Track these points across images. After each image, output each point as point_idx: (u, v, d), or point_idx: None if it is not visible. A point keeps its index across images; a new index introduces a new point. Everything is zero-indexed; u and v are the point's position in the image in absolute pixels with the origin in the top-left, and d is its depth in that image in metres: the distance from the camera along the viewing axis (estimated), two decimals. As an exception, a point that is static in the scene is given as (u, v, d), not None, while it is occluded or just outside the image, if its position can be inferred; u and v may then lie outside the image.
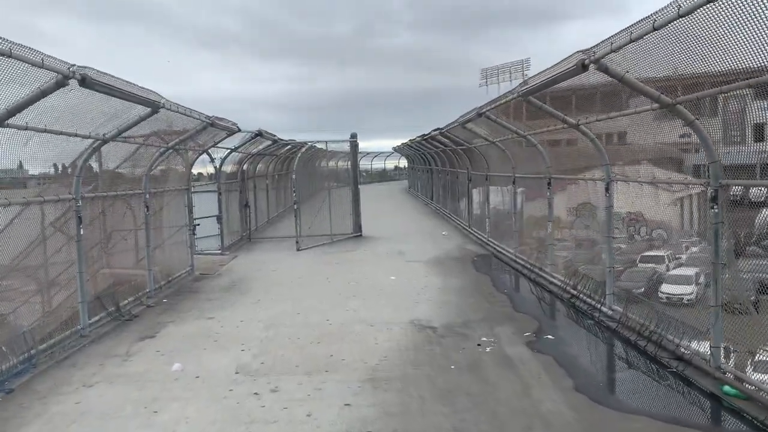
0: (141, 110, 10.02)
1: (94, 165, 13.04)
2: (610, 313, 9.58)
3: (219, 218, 19.31)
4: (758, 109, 6.53)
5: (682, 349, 7.47)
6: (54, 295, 10.67)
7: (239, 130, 15.21)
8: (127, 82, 9.40)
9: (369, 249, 18.78)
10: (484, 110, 12.65)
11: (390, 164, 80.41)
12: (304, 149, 21.13)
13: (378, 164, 77.35)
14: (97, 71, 7.82)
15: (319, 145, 23.43)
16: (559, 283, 11.94)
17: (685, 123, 6.73)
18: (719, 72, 5.92)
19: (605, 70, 6.77)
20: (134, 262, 13.69)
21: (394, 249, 18.32)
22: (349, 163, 23.43)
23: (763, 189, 7.54)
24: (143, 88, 9.88)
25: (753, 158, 7.08)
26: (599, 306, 9.99)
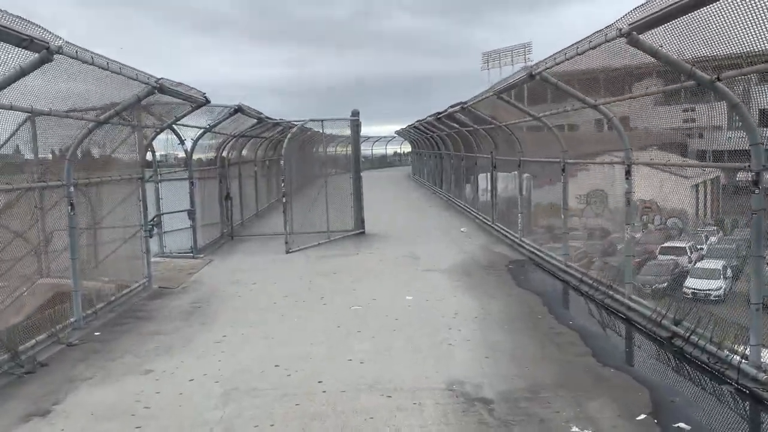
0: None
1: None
2: (762, 377, 6.08)
3: (191, 213, 15.73)
4: None
5: None
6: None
7: (207, 102, 11.61)
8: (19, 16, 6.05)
9: (375, 252, 15.23)
10: (540, 70, 9.08)
11: (390, 150, 76.77)
12: (294, 129, 17.48)
13: (378, 150, 73.60)
14: None
15: (314, 126, 19.84)
16: (648, 314, 8.45)
17: None
18: None
19: None
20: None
21: (406, 252, 14.79)
22: (349, 146, 19.82)
23: None
24: (31, 22, 6.36)
25: None
26: (733, 360, 6.51)
